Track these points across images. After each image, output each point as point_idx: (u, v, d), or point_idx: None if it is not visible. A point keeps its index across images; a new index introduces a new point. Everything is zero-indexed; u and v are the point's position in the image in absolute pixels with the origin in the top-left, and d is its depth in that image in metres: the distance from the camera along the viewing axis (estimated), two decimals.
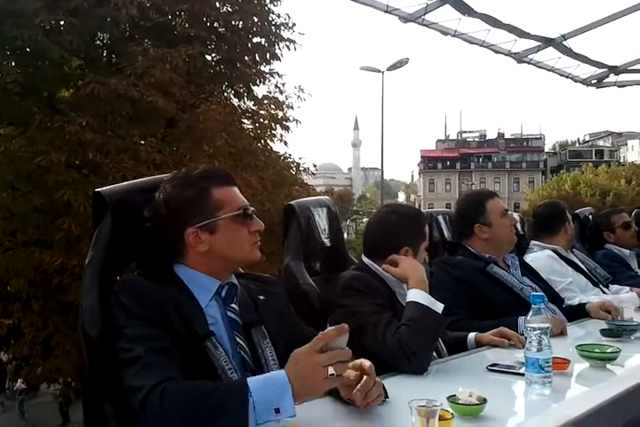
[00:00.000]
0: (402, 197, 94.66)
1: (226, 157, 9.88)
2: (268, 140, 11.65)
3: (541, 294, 1.83)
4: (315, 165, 13.06)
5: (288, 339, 1.72)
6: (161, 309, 1.53)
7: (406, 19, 5.02)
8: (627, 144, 61.72)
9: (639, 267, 3.92)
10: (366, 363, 1.54)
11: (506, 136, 63.93)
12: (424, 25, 5.11)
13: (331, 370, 1.34)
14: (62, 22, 9.21)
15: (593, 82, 6.65)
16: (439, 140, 66.47)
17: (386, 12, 4.88)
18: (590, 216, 4.18)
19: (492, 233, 2.81)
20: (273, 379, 1.38)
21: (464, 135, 66.25)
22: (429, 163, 62.64)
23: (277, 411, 1.35)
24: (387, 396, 1.59)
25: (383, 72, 21.13)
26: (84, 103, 9.15)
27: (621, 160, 57.75)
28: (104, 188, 1.78)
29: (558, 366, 1.81)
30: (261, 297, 1.76)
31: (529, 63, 5.94)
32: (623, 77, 6.68)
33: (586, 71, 6.44)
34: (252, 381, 1.37)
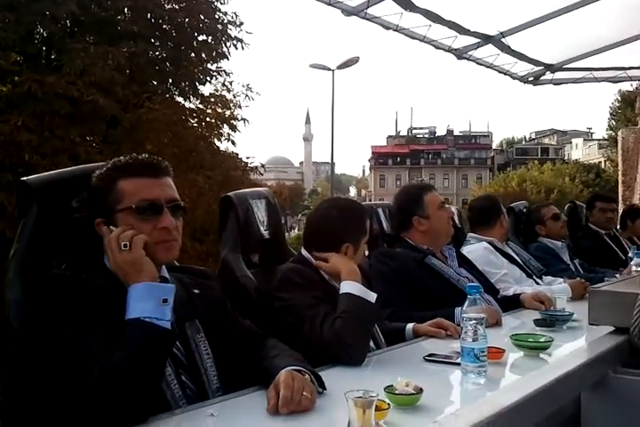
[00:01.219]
0: (353, 192, 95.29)
1: (170, 157, 9.65)
2: (215, 140, 11.47)
3: (477, 284, 1.85)
4: (262, 165, 12.90)
5: (223, 332, 1.70)
6: (90, 304, 1.47)
7: (349, 12, 5.01)
8: (571, 142, 63.82)
9: (570, 259, 4.05)
10: (281, 377, 1.50)
11: (455, 133, 65.35)
12: (366, 19, 5.12)
13: None
14: None
15: (530, 79, 6.81)
16: (390, 137, 67.32)
17: (329, 4, 4.87)
18: (524, 210, 4.29)
19: (429, 225, 2.84)
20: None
21: (414, 132, 67.42)
22: (380, 159, 63.32)
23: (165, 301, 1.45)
24: (324, 387, 1.58)
25: (333, 70, 21.13)
26: (21, 102, 8.76)
27: (566, 158, 59.54)
28: (30, 177, 1.70)
29: (493, 355, 1.84)
30: (196, 290, 1.72)
31: (469, 59, 6.03)
32: (559, 75, 6.87)
33: (523, 69, 6.59)
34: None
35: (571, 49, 6.30)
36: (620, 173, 9.19)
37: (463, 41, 5.72)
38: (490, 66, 6.23)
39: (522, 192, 38.41)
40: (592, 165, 49.47)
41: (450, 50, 5.86)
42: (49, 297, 1.48)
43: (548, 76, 6.75)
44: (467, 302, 1.78)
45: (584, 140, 62.23)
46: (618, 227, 5.06)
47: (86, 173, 1.69)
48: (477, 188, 47.61)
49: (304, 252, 2.22)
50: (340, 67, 20.98)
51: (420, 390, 1.48)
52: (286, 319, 1.97)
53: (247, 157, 12.29)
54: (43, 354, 1.46)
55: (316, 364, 1.70)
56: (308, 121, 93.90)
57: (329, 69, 21.23)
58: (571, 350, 1.76)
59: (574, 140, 63.51)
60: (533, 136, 72.11)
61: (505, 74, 6.47)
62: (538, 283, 3.36)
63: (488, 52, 5.96)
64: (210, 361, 1.61)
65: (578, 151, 61.25)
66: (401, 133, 67.99)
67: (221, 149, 11.70)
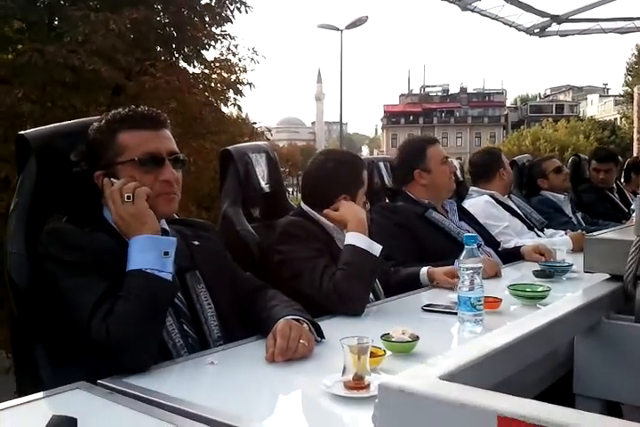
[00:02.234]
0: (365, 152, 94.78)
1: (175, 124, 9.53)
2: (222, 105, 11.32)
3: (474, 235, 1.87)
4: (269, 129, 12.78)
5: (223, 283, 1.72)
6: (92, 254, 1.49)
7: None
8: (586, 99, 62.23)
9: (573, 212, 4.05)
10: (278, 326, 1.53)
11: (468, 91, 63.87)
12: None
13: None
14: None
15: (536, 31, 6.69)
16: (402, 95, 65.98)
17: None
18: (527, 163, 4.27)
19: (431, 179, 2.83)
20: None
21: (427, 90, 65.89)
22: (392, 118, 62.32)
23: (166, 253, 1.47)
24: (322, 336, 1.61)
25: (342, 30, 20.74)
26: (22, 72, 8.62)
27: (581, 115, 58.07)
28: (27, 131, 1.70)
29: (490, 304, 1.87)
30: (196, 242, 1.74)
31: (473, 11, 5.92)
32: (565, 27, 6.75)
33: (529, 20, 6.47)
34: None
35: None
36: (635, 130, 9.04)
37: None
38: (495, 17, 6.11)
39: (535, 151, 37.76)
40: (607, 123, 48.38)
41: (454, 1, 5.74)
42: (49, 248, 1.50)
43: (554, 27, 6.63)
44: (464, 253, 1.79)
45: (600, 96, 60.62)
46: (622, 180, 5.04)
47: (84, 126, 1.69)
48: (491, 146, 46.97)
49: (304, 205, 2.23)
50: (349, 27, 20.62)
51: (416, 338, 1.51)
52: (286, 272, 1.99)
53: (254, 122, 12.17)
54: (47, 304, 1.49)
55: (315, 316, 1.73)
56: (319, 80, 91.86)
57: (337, 29, 20.86)
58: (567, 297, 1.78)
59: (590, 97, 61.87)
60: (548, 93, 70.33)
61: (510, 26, 6.34)
62: (539, 236, 3.37)
63: (493, 2, 5.85)
64: (211, 311, 1.63)
65: (593, 108, 59.70)
66: (413, 92, 66.57)
67: (227, 114, 11.56)
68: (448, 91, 64.88)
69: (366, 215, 2.65)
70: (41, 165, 1.65)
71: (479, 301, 1.73)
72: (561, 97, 67.06)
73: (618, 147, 35.94)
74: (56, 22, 9.35)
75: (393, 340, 1.51)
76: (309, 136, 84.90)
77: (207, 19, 10.68)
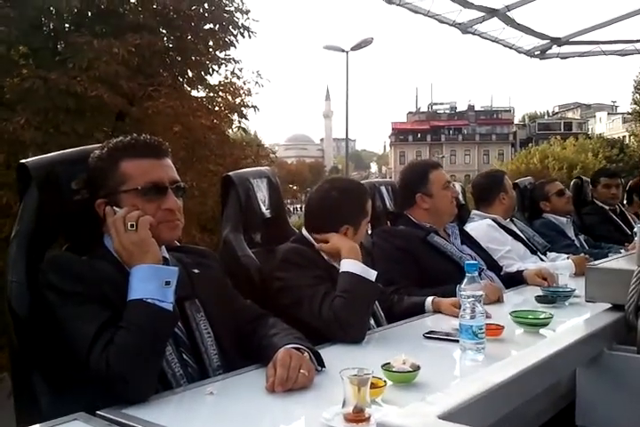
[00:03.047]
0: (374, 168, 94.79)
1: (179, 148, 9.58)
2: (226, 128, 11.37)
3: (475, 262, 1.85)
4: (274, 152, 12.87)
5: (224, 311, 1.72)
6: (93, 283, 1.49)
7: None
8: (595, 116, 62.06)
9: (575, 235, 4.04)
10: (278, 355, 1.52)
11: (476, 108, 64.11)
12: None
13: None
14: None
15: (536, 53, 6.72)
16: (410, 113, 66.29)
17: None
18: (529, 186, 4.28)
19: (432, 204, 2.84)
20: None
21: (435, 107, 66.29)
22: (400, 135, 62.53)
23: (167, 283, 1.47)
24: (323, 365, 1.60)
25: (347, 52, 20.89)
26: (24, 99, 8.67)
27: (589, 132, 57.71)
28: (28, 159, 1.71)
29: (492, 332, 1.85)
30: (196, 270, 1.73)
31: (473, 34, 5.95)
32: (565, 49, 6.77)
33: (529, 42, 6.49)
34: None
35: (577, 22, 6.20)
36: None
37: (467, 15, 5.63)
38: (495, 40, 6.14)
39: (544, 169, 37.41)
40: (616, 140, 47.85)
41: (454, 24, 5.78)
42: (50, 277, 1.50)
43: (555, 49, 6.66)
44: (465, 280, 1.78)
45: (608, 113, 60.42)
46: (624, 202, 5.03)
47: (85, 154, 1.70)
48: (499, 164, 46.40)
49: (305, 232, 2.23)
50: (354, 48, 20.75)
51: (417, 368, 1.49)
52: (286, 299, 1.99)
53: (258, 145, 12.26)
54: (47, 333, 1.48)
55: (315, 343, 1.72)
56: (327, 98, 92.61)
57: (343, 51, 21.00)
58: (568, 326, 1.77)
59: (598, 114, 61.62)
60: (557, 110, 70.19)
61: (510, 48, 6.38)
62: (542, 259, 3.36)
63: (493, 25, 5.87)
64: (210, 340, 1.63)
65: (602, 125, 59.41)
66: (421, 110, 66.94)
67: (232, 137, 11.60)
68: (456, 108, 65.22)
69: (367, 239, 2.67)
70: (42, 193, 1.65)
71: (481, 329, 1.72)
72: (569, 114, 66.88)
73: (626, 165, 35.76)
74: (60, 48, 9.36)
75: (394, 370, 1.49)
76: (318, 153, 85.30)
77: (211, 43, 10.77)
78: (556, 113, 69.42)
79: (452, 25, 5.79)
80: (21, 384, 1.61)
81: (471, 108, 64.08)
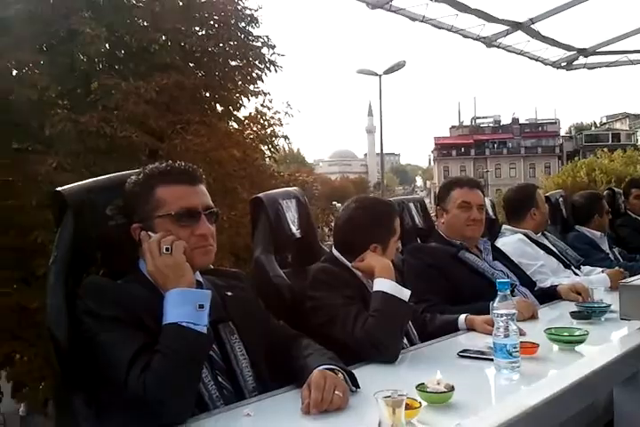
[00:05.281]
0: (419, 182, 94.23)
1: (209, 184, 9.64)
2: (257, 158, 11.48)
3: (507, 280, 1.85)
4: (307, 182, 12.97)
5: (257, 333, 1.73)
6: (128, 307, 1.52)
7: (374, 5, 5.01)
8: None
9: (609, 248, 3.98)
10: (313, 377, 1.53)
11: (520, 121, 62.98)
12: (392, 11, 5.11)
13: None
14: (30, 62, 8.88)
15: (563, 64, 6.69)
16: (453, 127, 65.62)
17: None
18: (561, 199, 4.23)
19: (447, 220, 2.87)
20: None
21: (478, 121, 65.54)
22: (443, 150, 61.69)
23: (201, 306, 1.49)
24: (358, 386, 1.60)
25: (380, 75, 20.92)
26: (56, 141, 8.81)
27: (638, 143, 55.03)
28: (64, 187, 1.75)
29: (527, 350, 1.83)
30: (229, 293, 1.75)
31: (498, 47, 5.96)
32: (592, 59, 6.73)
33: (555, 54, 6.47)
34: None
35: (603, 32, 6.18)
36: None
37: (492, 29, 5.66)
38: (520, 53, 6.14)
39: (591, 182, 36.06)
40: None
41: (478, 38, 5.80)
42: (86, 302, 1.54)
43: (582, 60, 6.62)
44: (497, 298, 1.78)
45: None
46: None
47: (119, 181, 1.74)
48: (545, 177, 45.26)
49: (335, 251, 2.24)
50: (387, 72, 20.78)
51: (452, 388, 1.49)
52: (318, 319, 1.99)
53: (289, 174, 12.39)
54: (86, 358, 1.51)
55: (349, 363, 1.72)
56: (370, 113, 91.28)
57: (376, 75, 21.04)
58: (605, 344, 1.75)
59: None
60: (604, 120, 68.32)
61: (536, 60, 6.37)
62: (576, 273, 3.31)
63: (518, 38, 5.87)
64: (245, 362, 1.64)
65: None
66: (464, 123, 66.20)
67: (263, 168, 11.69)
68: (500, 122, 64.25)
69: (398, 256, 2.67)
70: (77, 219, 1.69)
71: (515, 347, 1.71)
72: (617, 125, 65.06)
73: None
74: (92, 88, 9.46)
75: (428, 390, 1.49)
76: (361, 168, 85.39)
77: (238, 79, 10.93)
78: (604, 124, 67.49)
79: (476, 39, 5.81)
80: (63, 408, 1.65)
81: (515, 120, 62.82)
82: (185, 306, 1.49)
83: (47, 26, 8.72)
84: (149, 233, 1.61)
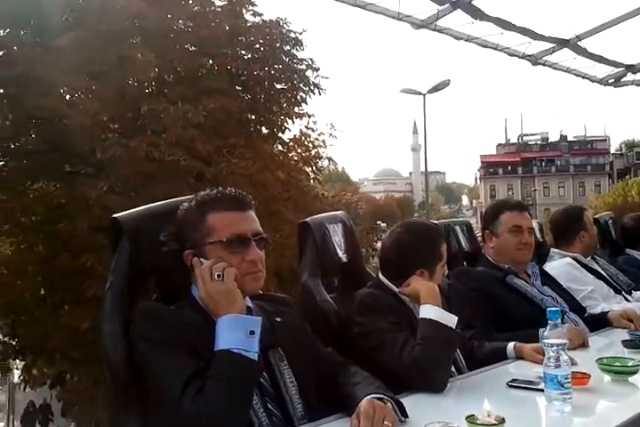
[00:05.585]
0: (465, 201, 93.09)
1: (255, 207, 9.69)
2: (301, 178, 11.57)
3: (557, 309, 1.82)
4: (355, 200, 13.02)
5: (305, 359, 1.74)
6: (181, 332, 1.55)
7: (418, 25, 5.05)
8: None
9: None
10: (362, 407, 1.52)
11: (569, 138, 61.72)
12: (436, 30, 5.13)
13: None
14: (83, 88, 9.23)
15: (610, 81, 6.60)
16: (499, 145, 64.49)
17: (398, 19, 4.92)
18: (610, 221, 4.14)
19: (497, 244, 2.84)
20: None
21: (525, 138, 64.25)
22: (490, 168, 60.75)
23: (252, 333, 1.52)
24: (406, 415, 1.59)
25: (424, 94, 20.84)
26: (108, 164, 9.01)
27: None
28: (120, 214, 1.81)
29: (578, 380, 1.80)
30: (278, 318, 1.77)
31: (544, 65, 5.92)
32: None
33: (602, 71, 6.40)
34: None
35: None
36: None
37: (537, 46, 5.63)
38: (567, 70, 6.09)
39: None
40: None
41: (524, 56, 5.77)
42: (141, 327, 1.58)
43: (630, 77, 6.53)
44: (547, 328, 1.76)
45: None
46: None
47: (173, 207, 1.79)
48: (595, 197, 43.44)
49: (381, 276, 2.25)
50: (431, 91, 20.62)
51: (502, 420, 1.47)
52: (365, 345, 1.99)
53: (332, 196, 12.43)
54: (140, 382, 1.55)
55: (396, 391, 1.71)
56: (415, 131, 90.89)
57: (420, 94, 20.98)
58: None
59: None
60: None
61: (583, 77, 6.29)
62: (627, 299, 3.22)
63: (564, 56, 5.83)
64: (294, 389, 1.65)
65: None
66: (511, 141, 64.90)
67: (307, 189, 11.77)
68: (547, 139, 62.86)
69: (444, 280, 2.65)
70: (133, 245, 1.74)
71: (567, 378, 1.68)
72: None
73: None
74: (142, 112, 9.60)
75: (479, 422, 1.48)
76: (406, 187, 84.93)
77: (283, 101, 11.06)
78: None
79: (521, 57, 5.78)
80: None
81: (564, 138, 61.46)
82: (236, 332, 1.52)
83: (99, 53, 8.97)
84: (201, 259, 1.64)
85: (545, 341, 1.73)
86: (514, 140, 65.53)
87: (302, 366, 1.71)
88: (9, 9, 9.00)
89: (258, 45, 10.83)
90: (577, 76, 6.37)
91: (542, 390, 1.73)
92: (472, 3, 4.68)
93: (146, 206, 1.89)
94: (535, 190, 54.13)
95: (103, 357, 1.65)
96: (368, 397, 1.57)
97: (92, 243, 8.43)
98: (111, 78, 9.24)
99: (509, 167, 59.80)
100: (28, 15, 9.22)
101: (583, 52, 5.77)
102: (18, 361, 12.29)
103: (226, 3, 10.79)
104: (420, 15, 4.93)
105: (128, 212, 1.83)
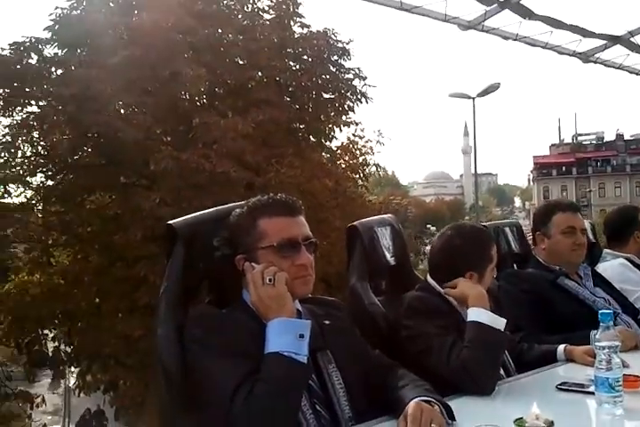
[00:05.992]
0: (517, 203, 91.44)
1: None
2: (348, 185, 11.60)
3: (610, 311, 1.80)
4: (404, 204, 13.00)
5: (354, 362, 1.77)
6: (233, 336, 1.60)
7: (466, 26, 5.02)
8: None
9: None
10: (409, 409, 1.54)
11: (625, 137, 59.49)
12: (484, 31, 5.10)
13: None
14: (135, 104, 9.51)
15: None
16: (553, 145, 63.14)
17: (445, 21, 4.90)
18: None
19: (549, 245, 2.80)
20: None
21: (580, 138, 62.51)
22: (543, 169, 59.36)
23: (302, 336, 1.55)
24: (454, 418, 1.60)
25: (474, 98, 20.59)
26: (160, 177, 9.31)
27: None
28: (175, 220, 1.87)
29: (630, 384, 1.78)
30: (327, 321, 1.80)
31: (595, 62, 5.80)
32: None
33: None
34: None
35: None
36: None
37: (588, 44, 5.52)
38: (619, 67, 5.95)
39: None
40: None
41: (574, 54, 5.67)
42: (194, 331, 1.63)
43: None
44: (599, 330, 1.74)
45: None
46: None
47: (225, 213, 1.84)
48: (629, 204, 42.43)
49: (430, 279, 2.26)
50: (481, 94, 20.36)
51: (551, 424, 1.47)
52: (413, 348, 2.00)
53: (380, 202, 12.44)
54: (193, 385, 1.60)
55: (444, 394, 1.72)
56: (466, 133, 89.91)
57: (469, 97, 20.74)
58: None
59: None
60: None
61: (637, 74, 6.14)
62: None
63: (616, 52, 5.70)
64: (342, 391, 1.68)
65: None
66: (565, 141, 63.38)
67: (354, 196, 11.80)
68: (603, 138, 60.94)
69: (494, 282, 2.64)
70: (187, 250, 1.79)
71: (618, 381, 1.67)
72: None
73: None
74: (194, 124, 9.76)
75: (527, 426, 1.48)
76: (457, 190, 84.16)
77: (330, 110, 11.13)
78: None
79: (572, 55, 5.68)
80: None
81: (620, 137, 59.15)
82: (286, 335, 1.56)
83: (152, 69, 9.20)
84: (253, 264, 1.69)
85: (596, 343, 1.72)
86: (568, 140, 63.97)
87: (350, 369, 1.74)
88: (67, 29, 9.31)
89: (305, 56, 11.01)
90: (630, 72, 6.22)
91: (593, 393, 1.72)
92: (521, 2, 4.62)
93: (199, 213, 1.94)
94: (590, 191, 52.53)
95: (157, 361, 1.69)
96: (416, 399, 1.59)
97: (145, 253, 8.67)
98: (163, 93, 9.52)
99: (563, 168, 58.24)
100: (85, 35, 9.54)
101: (636, 48, 5.63)
102: (73, 368, 12.72)
103: (274, 16, 10.99)
104: (466, 16, 4.90)
105: (182, 218, 1.88)
